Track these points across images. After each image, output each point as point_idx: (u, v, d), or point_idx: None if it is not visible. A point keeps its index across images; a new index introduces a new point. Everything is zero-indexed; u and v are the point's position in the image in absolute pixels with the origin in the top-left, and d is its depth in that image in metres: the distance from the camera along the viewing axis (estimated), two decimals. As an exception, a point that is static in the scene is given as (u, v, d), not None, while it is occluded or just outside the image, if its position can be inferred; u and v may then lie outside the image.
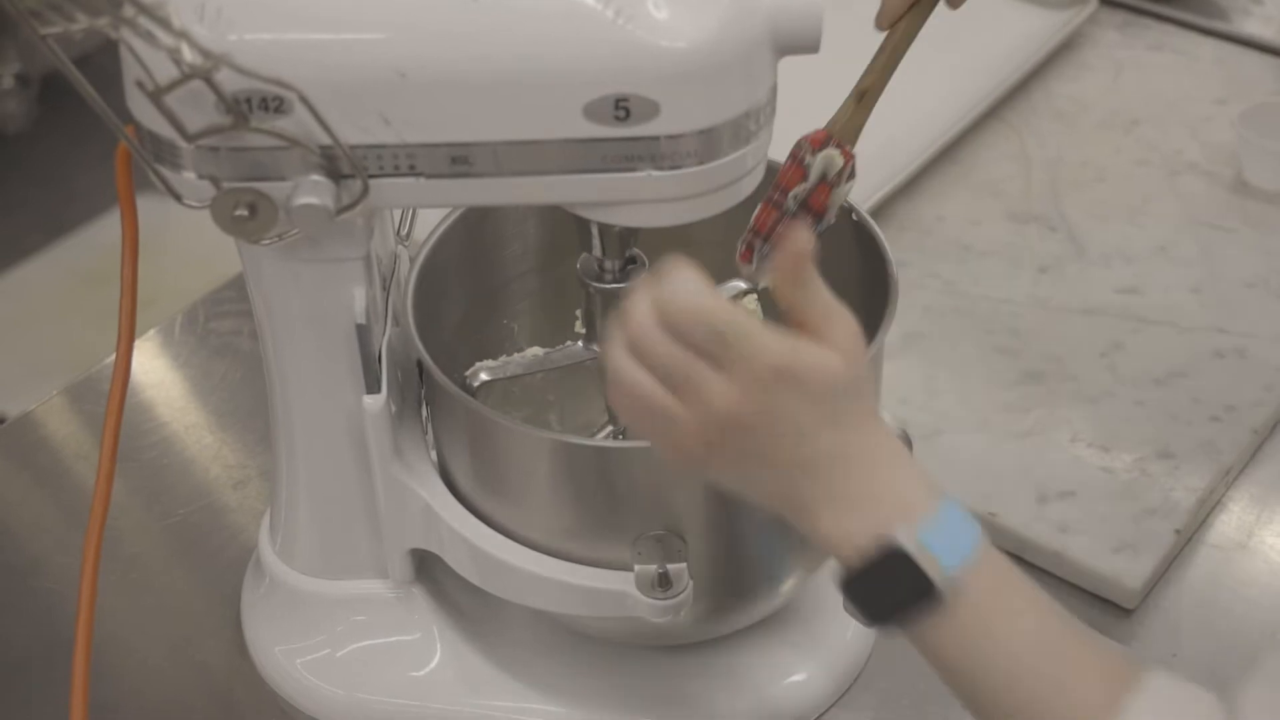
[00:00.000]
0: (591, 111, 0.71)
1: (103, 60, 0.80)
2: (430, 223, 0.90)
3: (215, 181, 0.73)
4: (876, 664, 0.95)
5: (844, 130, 0.83)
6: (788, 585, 0.90)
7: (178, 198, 0.75)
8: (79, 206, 2.43)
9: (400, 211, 0.90)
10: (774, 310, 0.72)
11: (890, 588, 0.68)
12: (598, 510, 0.84)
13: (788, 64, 0.75)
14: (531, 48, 0.71)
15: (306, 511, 0.91)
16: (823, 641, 0.94)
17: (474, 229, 0.92)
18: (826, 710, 0.93)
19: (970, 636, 0.69)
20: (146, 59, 0.70)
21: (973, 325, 1.17)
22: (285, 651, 0.95)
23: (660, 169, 0.73)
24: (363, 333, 0.81)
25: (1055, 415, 1.10)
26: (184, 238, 1.37)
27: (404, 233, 0.90)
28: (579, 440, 0.86)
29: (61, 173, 2.53)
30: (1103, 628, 0.97)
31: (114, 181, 0.79)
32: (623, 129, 0.71)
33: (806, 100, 0.81)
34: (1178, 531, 1.01)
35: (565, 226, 0.83)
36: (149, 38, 0.68)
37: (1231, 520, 1.05)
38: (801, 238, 0.68)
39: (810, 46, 0.73)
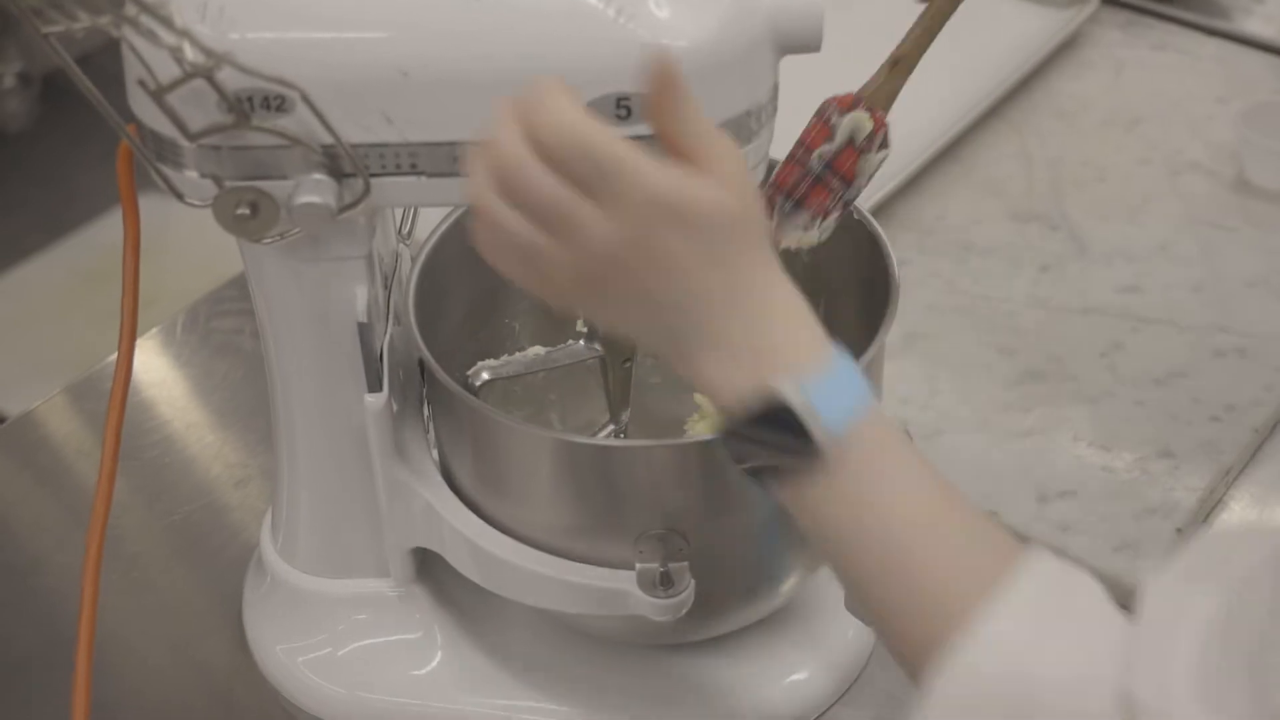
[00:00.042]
0: (593, 110, 0.71)
1: (104, 59, 0.80)
2: (432, 221, 0.90)
3: (217, 180, 0.73)
4: (877, 663, 0.95)
5: (875, 96, 0.81)
6: (788, 584, 0.90)
7: (179, 197, 0.75)
8: (80, 206, 2.43)
9: (402, 210, 0.90)
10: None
11: (769, 441, 0.64)
12: (599, 509, 0.84)
13: (789, 64, 0.75)
14: (533, 46, 0.71)
15: (308, 510, 0.91)
16: (823, 641, 0.94)
17: (475, 228, 0.92)
18: (827, 709, 0.93)
19: (848, 502, 0.65)
20: (148, 58, 0.70)
21: (973, 325, 1.17)
22: (287, 650, 0.95)
23: (661, 168, 0.73)
24: (364, 331, 0.81)
25: (1056, 414, 1.10)
26: (185, 237, 1.36)
27: (406, 231, 0.90)
28: (581, 439, 0.86)
29: (63, 172, 2.52)
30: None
31: (115, 181, 0.79)
32: (624, 128, 0.71)
33: (807, 100, 0.81)
34: (1179, 531, 1.02)
35: (566, 225, 0.83)
36: (151, 36, 0.68)
37: (1232, 519, 1.04)
38: (668, 59, 0.63)
39: (811, 46, 0.73)
